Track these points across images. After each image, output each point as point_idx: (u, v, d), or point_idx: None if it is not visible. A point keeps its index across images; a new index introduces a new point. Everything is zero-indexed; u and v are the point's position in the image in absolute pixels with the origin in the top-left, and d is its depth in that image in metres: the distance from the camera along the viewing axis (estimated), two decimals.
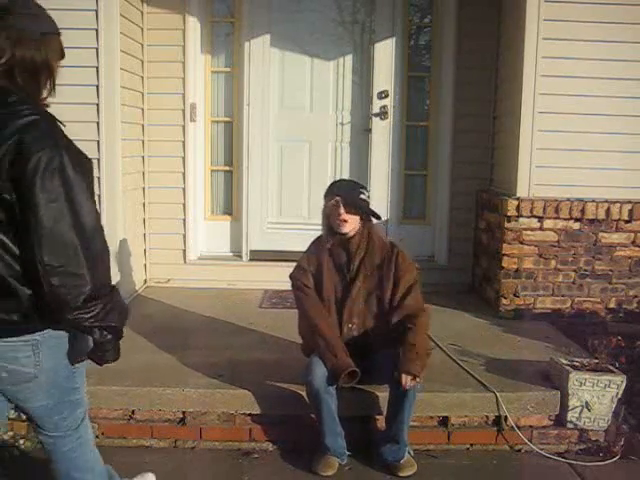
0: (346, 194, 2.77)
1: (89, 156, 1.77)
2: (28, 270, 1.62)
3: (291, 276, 2.90)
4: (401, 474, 2.66)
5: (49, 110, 1.73)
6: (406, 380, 2.55)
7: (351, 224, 2.77)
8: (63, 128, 1.71)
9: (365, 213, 2.81)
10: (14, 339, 1.68)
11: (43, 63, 1.72)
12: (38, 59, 1.70)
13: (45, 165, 1.58)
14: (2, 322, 1.65)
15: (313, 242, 2.94)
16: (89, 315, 1.64)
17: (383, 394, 2.79)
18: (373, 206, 2.89)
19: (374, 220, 2.87)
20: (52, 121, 1.69)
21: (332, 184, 2.93)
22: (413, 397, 2.61)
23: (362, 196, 2.80)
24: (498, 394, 2.88)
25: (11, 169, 1.58)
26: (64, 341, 1.77)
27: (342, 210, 2.74)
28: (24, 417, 2.88)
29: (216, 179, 4.88)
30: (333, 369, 2.61)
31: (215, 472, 2.67)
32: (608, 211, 3.98)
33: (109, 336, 1.71)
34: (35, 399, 1.80)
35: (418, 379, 2.57)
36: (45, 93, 1.77)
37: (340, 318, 2.81)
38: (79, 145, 1.72)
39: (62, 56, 1.80)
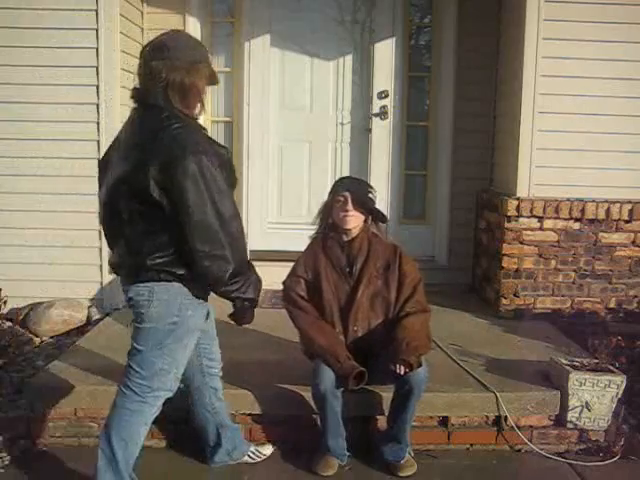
0: (355, 191, 2.75)
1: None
2: (184, 255, 2.08)
3: (284, 284, 2.87)
4: (401, 474, 2.66)
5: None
6: (400, 368, 2.55)
7: (356, 220, 2.75)
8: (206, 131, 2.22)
9: (371, 213, 2.79)
10: (140, 284, 2.14)
11: (191, 85, 2.13)
12: (187, 82, 2.11)
13: (192, 170, 1.99)
14: (134, 271, 2.15)
15: (308, 245, 2.90)
16: (233, 288, 2.12)
17: (385, 394, 2.79)
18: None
19: (380, 224, 2.85)
20: (195, 131, 2.12)
21: (340, 180, 2.89)
22: (417, 397, 2.61)
23: (370, 195, 2.79)
24: (498, 394, 2.88)
25: (163, 174, 2.00)
26: (172, 303, 2.15)
27: (350, 206, 2.72)
28: (24, 417, 2.90)
29: None
30: (340, 374, 2.60)
31: (215, 472, 2.67)
32: (608, 211, 3.99)
33: (247, 304, 2.18)
34: (136, 338, 2.22)
35: (414, 369, 2.56)
36: (196, 111, 2.21)
37: (345, 322, 2.78)
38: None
39: (211, 82, 2.22)
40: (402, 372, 2.56)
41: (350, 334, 2.77)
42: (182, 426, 2.78)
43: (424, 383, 2.62)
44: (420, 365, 2.59)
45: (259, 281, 2.22)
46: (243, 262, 2.14)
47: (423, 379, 2.61)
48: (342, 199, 2.73)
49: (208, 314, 2.37)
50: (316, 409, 2.70)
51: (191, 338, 2.27)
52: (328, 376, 2.59)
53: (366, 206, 2.76)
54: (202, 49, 2.21)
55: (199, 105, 2.21)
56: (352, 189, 2.76)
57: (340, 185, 2.81)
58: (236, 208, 2.14)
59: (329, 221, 2.83)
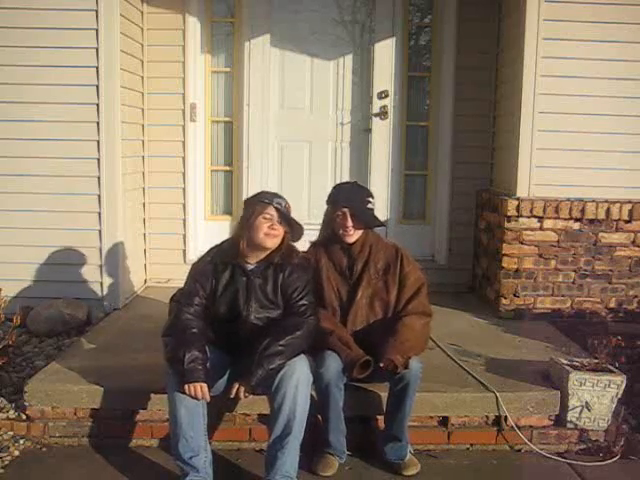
0: (354, 205, 2.75)
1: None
2: None
3: None
4: (405, 473, 2.66)
5: None
6: (386, 366, 2.56)
7: (356, 235, 2.79)
8: None
9: (369, 226, 2.80)
10: None
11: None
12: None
13: None
14: None
15: (308, 249, 2.91)
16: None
17: (383, 394, 2.79)
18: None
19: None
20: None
21: (338, 190, 2.87)
22: (412, 393, 2.61)
23: (369, 205, 2.79)
24: (498, 394, 2.88)
25: None
26: None
27: (349, 223, 2.74)
28: (24, 417, 2.90)
29: (216, 179, 4.88)
30: (348, 360, 2.60)
31: (215, 472, 2.66)
32: (608, 211, 3.99)
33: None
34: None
35: (399, 370, 2.55)
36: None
37: (344, 322, 2.79)
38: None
39: None
40: (390, 368, 2.56)
41: (349, 333, 2.77)
42: None
43: (418, 379, 2.62)
44: (407, 367, 2.57)
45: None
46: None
47: (417, 375, 2.61)
48: (341, 215, 2.75)
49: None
50: (318, 402, 2.67)
51: None
52: (333, 366, 2.60)
53: (365, 221, 2.77)
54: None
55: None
56: (350, 204, 2.75)
57: (337, 199, 2.81)
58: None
59: (329, 231, 2.84)
